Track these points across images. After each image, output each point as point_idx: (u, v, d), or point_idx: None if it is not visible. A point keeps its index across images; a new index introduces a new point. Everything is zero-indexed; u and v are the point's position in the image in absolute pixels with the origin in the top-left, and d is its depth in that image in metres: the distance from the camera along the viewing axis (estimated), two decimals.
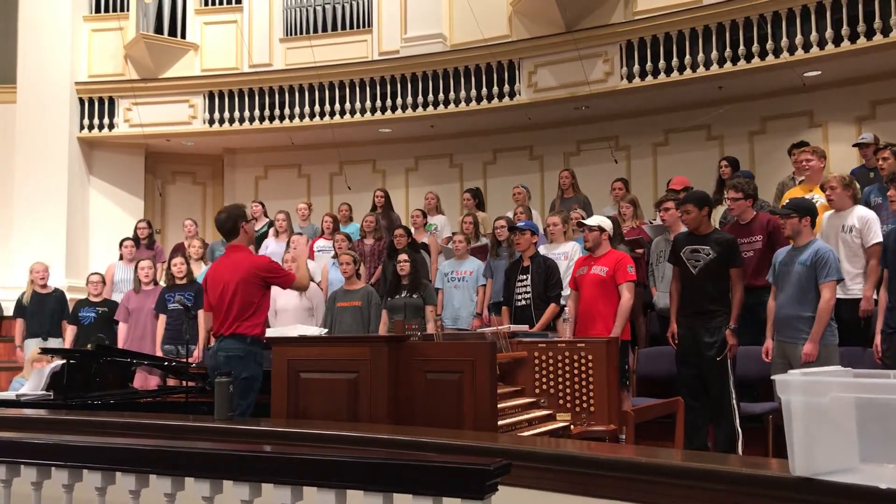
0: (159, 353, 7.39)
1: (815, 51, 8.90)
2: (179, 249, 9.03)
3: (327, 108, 11.73)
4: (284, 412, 4.27)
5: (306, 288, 5.65)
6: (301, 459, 2.49)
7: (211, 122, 12.19)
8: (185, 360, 6.43)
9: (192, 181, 13.57)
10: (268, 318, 7.23)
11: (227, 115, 12.13)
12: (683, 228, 6.15)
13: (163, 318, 7.64)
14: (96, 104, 12.30)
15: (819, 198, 6.06)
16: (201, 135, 12.37)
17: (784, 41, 9.06)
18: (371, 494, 2.38)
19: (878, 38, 8.51)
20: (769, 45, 9.15)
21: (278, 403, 4.29)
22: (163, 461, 2.75)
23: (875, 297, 5.44)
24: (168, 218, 13.16)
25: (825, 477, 2.35)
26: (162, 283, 8.29)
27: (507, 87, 10.82)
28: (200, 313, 7.25)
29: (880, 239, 5.51)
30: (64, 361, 5.50)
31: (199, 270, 7.96)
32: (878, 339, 4.99)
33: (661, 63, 9.84)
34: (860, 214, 5.67)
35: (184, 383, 5.79)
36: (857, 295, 5.53)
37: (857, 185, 5.96)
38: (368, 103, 11.54)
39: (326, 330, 6.55)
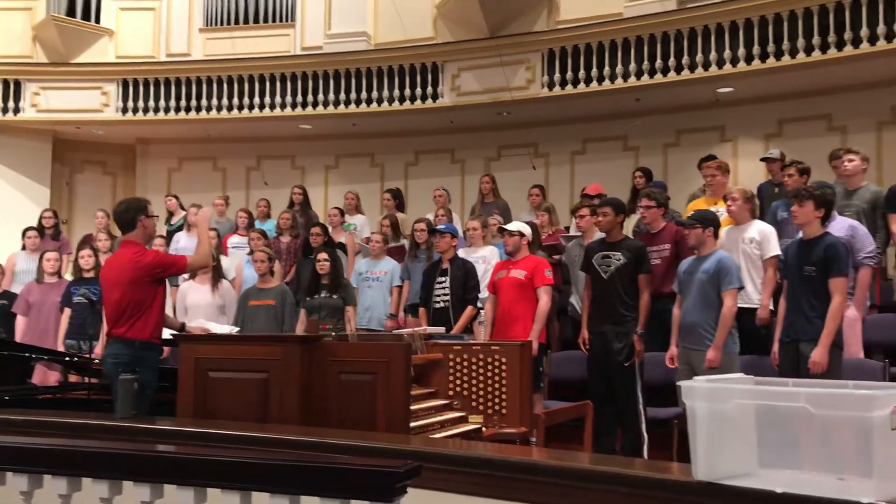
0: (61, 348, 7.10)
1: (728, 68, 9.20)
2: (88, 241, 8.70)
3: (246, 101, 11.50)
4: (191, 412, 4.15)
5: (207, 265, 5.43)
6: (205, 460, 2.42)
7: (124, 110, 11.80)
8: (87, 355, 6.20)
9: (102, 171, 13.11)
10: (175, 315, 7.06)
11: (141, 104, 11.76)
12: (597, 235, 6.28)
13: (67, 311, 7.35)
14: (0, 87, 11.75)
15: (723, 210, 6.26)
16: (113, 123, 11.97)
17: (699, 57, 9.34)
18: (277, 497, 2.33)
19: (787, 59, 8.87)
20: (685, 60, 9.42)
21: (184, 403, 4.17)
22: (57, 460, 2.63)
23: (772, 307, 5.66)
24: (75, 208, 12.67)
25: (726, 481, 2.42)
26: (68, 276, 7.96)
27: (430, 90, 10.83)
28: None
29: (778, 252, 5.74)
30: None
31: None
32: (775, 347, 5.18)
33: (582, 73, 10.01)
34: (760, 228, 5.89)
35: (86, 380, 5.57)
36: (756, 304, 5.74)
37: (757, 201, 6.20)
38: (289, 98, 11.37)
39: (238, 329, 6.40)
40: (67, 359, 6.03)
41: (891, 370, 5.32)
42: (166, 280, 4.99)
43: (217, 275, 7.24)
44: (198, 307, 7.08)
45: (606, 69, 9.88)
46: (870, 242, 5.75)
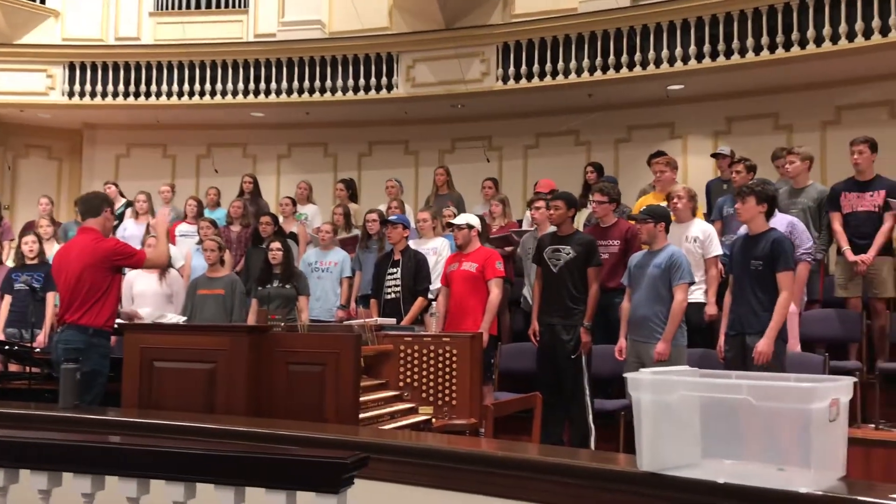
0: (1, 337, 6.92)
1: (678, 65, 9.33)
2: (31, 227, 8.47)
3: (197, 87, 11.29)
4: (135, 402, 4.08)
5: (164, 265, 5.51)
6: (147, 451, 2.38)
7: (70, 94, 11.49)
8: (29, 344, 6.05)
9: (47, 156, 12.76)
10: (122, 304, 6.92)
11: (88, 88, 11.46)
12: (550, 229, 6.32)
13: (7, 298, 7.17)
14: None
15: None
16: (59, 107, 11.65)
17: (651, 54, 9.45)
18: (222, 488, 2.30)
19: (736, 58, 9.02)
20: (637, 56, 9.52)
21: (129, 393, 4.10)
22: None
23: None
24: (18, 193, 12.32)
25: (669, 472, 2.45)
26: (9, 263, 7.76)
27: (384, 80, 10.77)
28: (49, 296, 6.84)
29: (720, 251, 5.87)
30: None
31: (52, 250, 7.50)
32: (721, 340, 5.28)
33: (536, 67, 10.05)
34: (702, 227, 6.01)
35: (27, 369, 5.44)
36: (697, 299, 5.84)
37: (699, 200, 6.31)
38: (241, 85, 11.19)
39: (185, 318, 6.31)
40: (7, 347, 5.87)
41: (831, 364, 5.47)
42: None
43: None
44: (145, 296, 6.96)
45: (560, 64, 9.93)
46: (808, 239, 5.90)
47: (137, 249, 5.00)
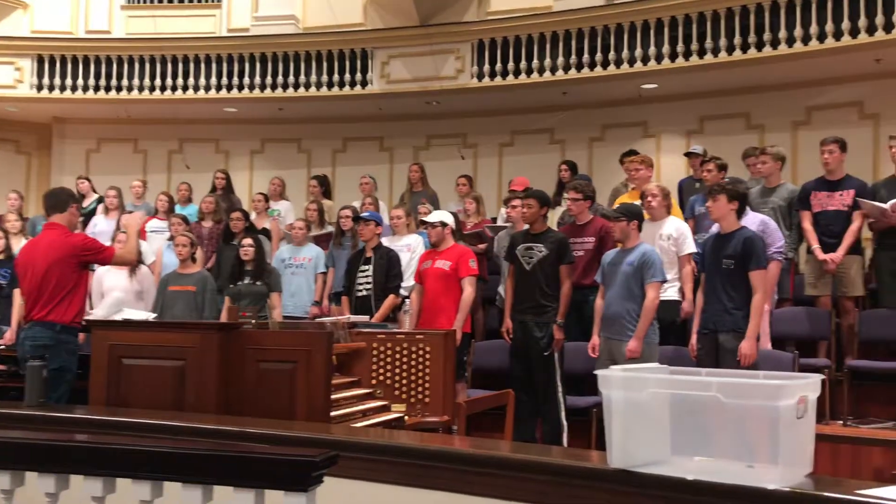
0: None
1: (652, 64, 9.39)
2: None
3: (169, 82, 11.17)
4: (103, 400, 4.03)
5: (132, 263, 5.48)
6: (113, 449, 2.34)
7: (39, 87, 11.32)
8: None
9: (15, 150, 12.56)
10: (91, 301, 6.83)
11: (57, 81, 11.30)
12: (525, 226, 6.33)
13: None
14: None
15: None
16: (28, 101, 11.45)
17: (625, 53, 9.50)
18: (189, 487, 2.27)
19: (709, 58, 9.09)
20: (611, 55, 9.56)
21: (97, 391, 4.04)
22: None
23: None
24: None
25: (640, 469, 2.46)
26: None
27: (359, 76, 10.73)
28: (16, 292, 6.72)
29: (693, 249, 5.90)
30: None
31: (20, 246, 7.37)
32: (693, 338, 5.32)
33: (511, 65, 10.06)
34: (676, 225, 6.04)
35: None
36: (671, 297, 5.87)
37: (672, 198, 6.35)
38: (214, 80, 11.08)
39: (156, 315, 6.24)
40: None
41: (801, 361, 5.53)
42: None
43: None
44: (114, 292, 6.87)
45: (535, 62, 9.96)
46: (779, 238, 5.95)
47: (106, 246, 4.96)
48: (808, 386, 2.32)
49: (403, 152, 11.49)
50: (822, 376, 2.44)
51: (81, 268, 4.69)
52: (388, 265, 6.47)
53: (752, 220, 5.77)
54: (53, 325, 4.51)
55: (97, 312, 5.22)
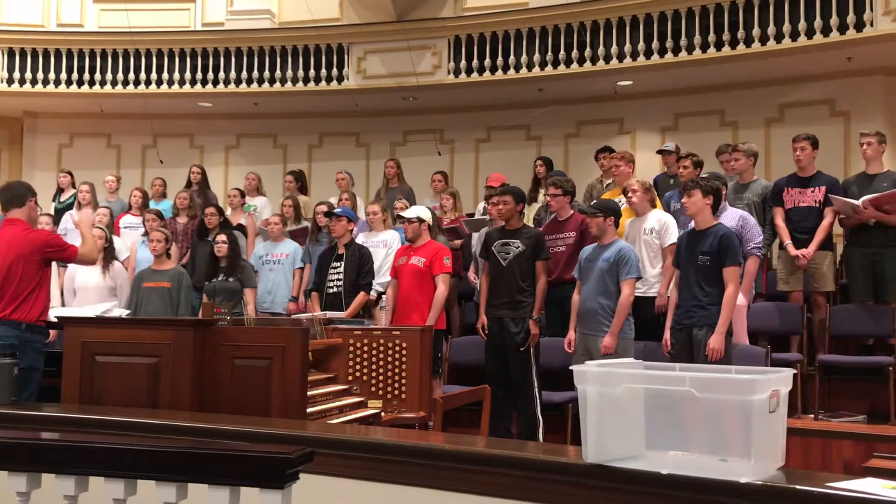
0: None
1: (627, 61, 9.45)
2: None
3: (143, 76, 11.06)
4: (76, 398, 3.98)
5: (94, 262, 5.33)
6: (84, 447, 2.31)
7: (10, 81, 11.16)
8: None
9: None
10: (63, 298, 6.75)
11: (29, 75, 11.15)
12: (501, 223, 6.34)
13: None
14: None
15: (625, 200, 6.42)
16: None
17: (601, 50, 9.54)
18: (163, 485, 2.25)
19: (684, 55, 9.17)
20: (587, 52, 9.60)
21: (69, 388, 3.99)
22: None
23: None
24: None
25: (614, 463, 2.48)
26: None
27: (335, 71, 10.69)
28: None
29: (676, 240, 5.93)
30: None
31: None
32: (667, 334, 5.36)
33: (487, 61, 10.08)
34: (659, 217, 6.08)
35: None
36: (654, 294, 5.92)
37: (655, 192, 6.41)
38: (188, 74, 10.99)
39: (130, 311, 6.18)
40: None
41: (773, 356, 5.59)
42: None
43: (109, 255, 6.96)
44: (87, 289, 6.81)
45: (511, 58, 9.98)
46: (758, 233, 6.01)
47: (69, 244, 4.81)
48: (780, 380, 2.35)
49: (380, 148, 11.46)
50: (794, 371, 2.47)
51: (44, 264, 4.58)
52: (360, 262, 6.45)
53: (732, 216, 5.82)
54: (19, 325, 4.43)
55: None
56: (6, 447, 2.42)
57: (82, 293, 6.82)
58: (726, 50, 8.95)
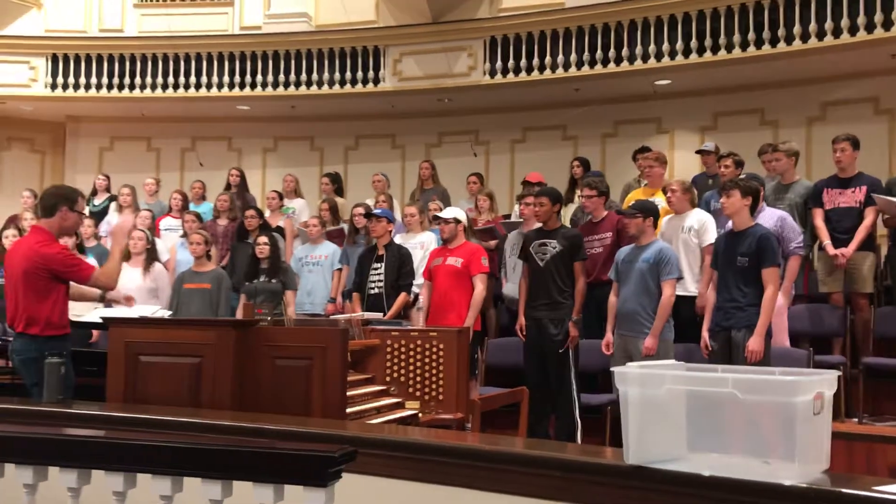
0: None
1: (665, 60, 9.35)
2: (13, 221, 8.40)
3: (182, 80, 11.22)
4: (121, 397, 4.06)
5: (111, 288, 4.78)
6: (134, 444, 2.37)
7: (53, 86, 11.40)
8: (11, 339, 6.00)
9: (29, 149, 12.66)
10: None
11: (71, 80, 11.37)
12: (538, 224, 6.34)
13: None
14: None
15: (661, 201, 6.38)
16: (42, 100, 11.54)
17: (638, 49, 9.47)
18: (209, 482, 2.29)
19: (723, 54, 9.06)
20: (624, 51, 9.54)
21: (114, 388, 4.06)
22: None
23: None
24: (1, 187, 12.22)
25: (655, 465, 2.47)
26: None
27: (371, 73, 10.74)
28: None
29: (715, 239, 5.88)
30: None
31: None
32: (705, 335, 5.30)
33: (523, 61, 10.05)
34: (699, 217, 6.03)
35: (9, 364, 5.39)
36: (694, 293, 5.87)
37: (695, 191, 6.35)
38: (226, 78, 11.13)
39: (171, 312, 6.28)
40: None
41: (815, 358, 5.51)
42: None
43: (150, 257, 7.08)
44: (129, 290, 6.89)
45: (547, 58, 9.94)
46: (798, 233, 5.94)
47: (84, 264, 4.56)
48: (825, 382, 2.32)
49: (415, 149, 11.50)
50: (838, 372, 2.44)
51: (55, 280, 4.37)
52: (400, 263, 6.48)
53: (770, 216, 5.76)
54: (36, 338, 4.32)
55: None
56: (57, 444, 2.48)
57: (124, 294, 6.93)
58: (766, 48, 8.83)
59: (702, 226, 5.93)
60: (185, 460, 2.32)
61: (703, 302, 5.76)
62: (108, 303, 5.45)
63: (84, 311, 5.65)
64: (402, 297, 6.42)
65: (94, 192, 9.84)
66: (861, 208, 6.18)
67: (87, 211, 9.30)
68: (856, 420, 5.76)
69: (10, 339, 5.56)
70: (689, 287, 5.85)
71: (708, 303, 5.39)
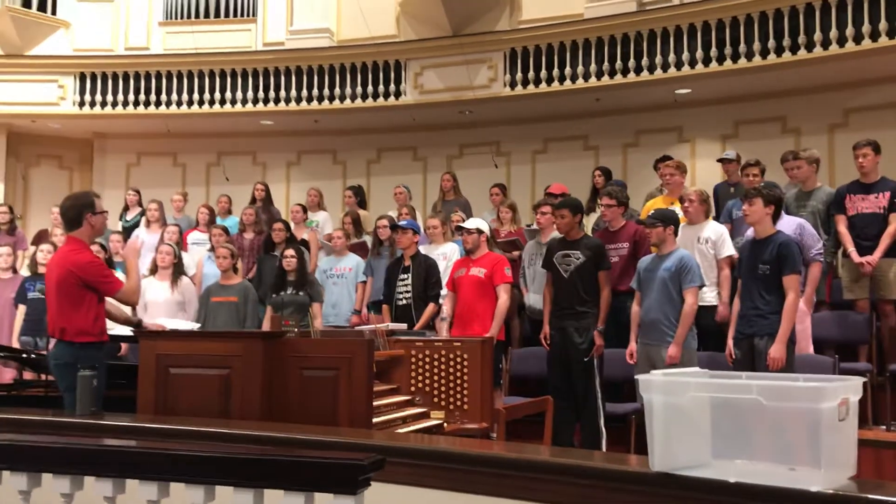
0: (16, 345, 6.99)
1: (686, 69, 9.35)
2: (45, 236, 8.56)
3: (207, 96, 11.38)
4: (152, 408, 4.13)
5: (134, 303, 4.99)
6: (167, 454, 2.42)
7: (81, 104, 11.60)
8: (44, 352, 6.11)
9: (58, 165, 12.87)
10: (135, 311, 6.97)
11: (98, 97, 11.57)
12: (555, 233, 6.36)
13: (22, 308, 7.23)
14: None
15: (678, 209, 6.38)
16: (70, 117, 11.76)
17: (658, 58, 9.48)
18: (241, 491, 2.34)
19: (743, 62, 9.04)
20: (644, 61, 9.55)
21: (145, 399, 4.14)
22: (17, 457, 2.61)
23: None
24: (31, 203, 12.42)
25: (681, 472, 2.48)
26: (23, 272, 7.83)
27: (392, 87, 10.84)
28: None
29: (733, 252, 5.88)
30: None
31: None
32: (730, 343, 5.30)
33: (543, 73, 10.09)
34: (715, 228, 6.04)
35: (42, 377, 5.49)
36: (710, 302, 5.86)
37: (712, 202, 6.34)
38: (250, 94, 11.28)
39: (199, 325, 6.36)
40: (24, 356, 5.94)
41: (840, 365, 5.48)
42: None
43: (177, 271, 7.18)
44: (157, 303, 7.03)
45: (567, 69, 9.98)
46: (818, 240, 5.92)
47: (114, 278, 4.67)
48: (850, 388, 2.33)
49: (437, 162, 11.56)
50: (864, 378, 2.44)
51: (86, 287, 4.44)
52: (427, 273, 6.53)
53: (789, 224, 5.74)
54: (72, 344, 4.42)
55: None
56: (94, 454, 2.54)
57: (153, 307, 7.04)
58: (787, 55, 8.80)
59: (719, 237, 5.94)
60: (218, 469, 2.37)
61: (725, 311, 5.76)
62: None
63: (114, 325, 5.75)
64: (430, 307, 6.47)
65: (126, 208, 10.00)
66: (885, 214, 6.14)
67: (119, 226, 9.47)
68: (883, 427, 5.71)
69: (44, 352, 5.68)
70: (706, 297, 5.84)
71: (733, 311, 5.38)
